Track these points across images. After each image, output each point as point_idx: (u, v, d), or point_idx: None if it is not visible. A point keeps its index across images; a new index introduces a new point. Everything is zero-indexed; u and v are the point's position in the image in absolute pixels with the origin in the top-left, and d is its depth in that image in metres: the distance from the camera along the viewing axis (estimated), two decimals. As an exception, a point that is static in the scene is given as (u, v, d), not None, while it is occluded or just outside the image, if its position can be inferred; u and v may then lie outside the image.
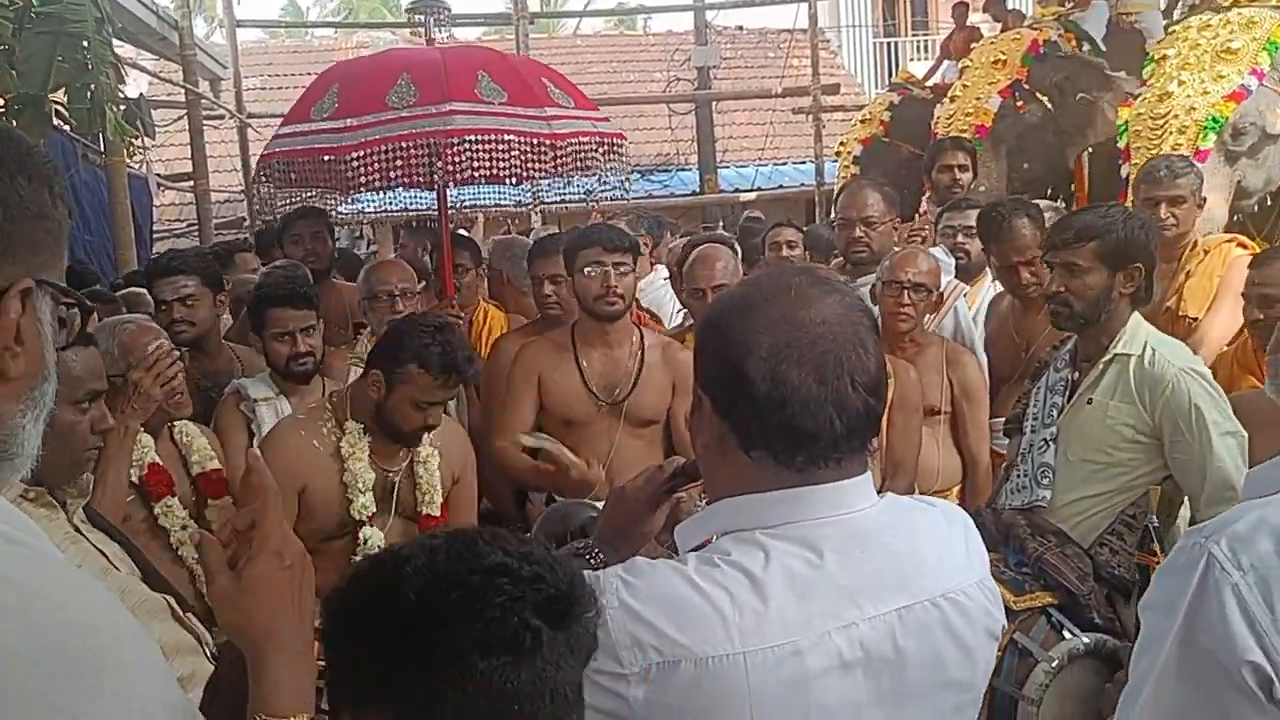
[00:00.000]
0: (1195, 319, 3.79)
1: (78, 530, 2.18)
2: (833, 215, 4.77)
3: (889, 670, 1.24)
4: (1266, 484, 1.31)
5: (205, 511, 2.91)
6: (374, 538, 2.82)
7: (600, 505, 1.72)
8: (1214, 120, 5.41)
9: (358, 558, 2.77)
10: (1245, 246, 4.03)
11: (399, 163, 4.00)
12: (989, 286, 4.21)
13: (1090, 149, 6.78)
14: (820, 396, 1.22)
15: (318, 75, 4.67)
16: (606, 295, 3.36)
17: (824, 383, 1.23)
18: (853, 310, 1.29)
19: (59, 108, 6.30)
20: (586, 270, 3.36)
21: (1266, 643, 1.25)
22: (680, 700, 1.15)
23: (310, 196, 4.66)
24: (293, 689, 0.96)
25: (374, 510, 2.83)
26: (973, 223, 4.19)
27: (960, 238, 4.26)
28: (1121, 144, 5.85)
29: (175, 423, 2.93)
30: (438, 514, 2.94)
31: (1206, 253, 3.93)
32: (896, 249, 3.92)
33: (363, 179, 4.04)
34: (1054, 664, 2.40)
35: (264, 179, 4.35)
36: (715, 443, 1.30)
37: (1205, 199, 4.06)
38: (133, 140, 6.46)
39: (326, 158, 4.07)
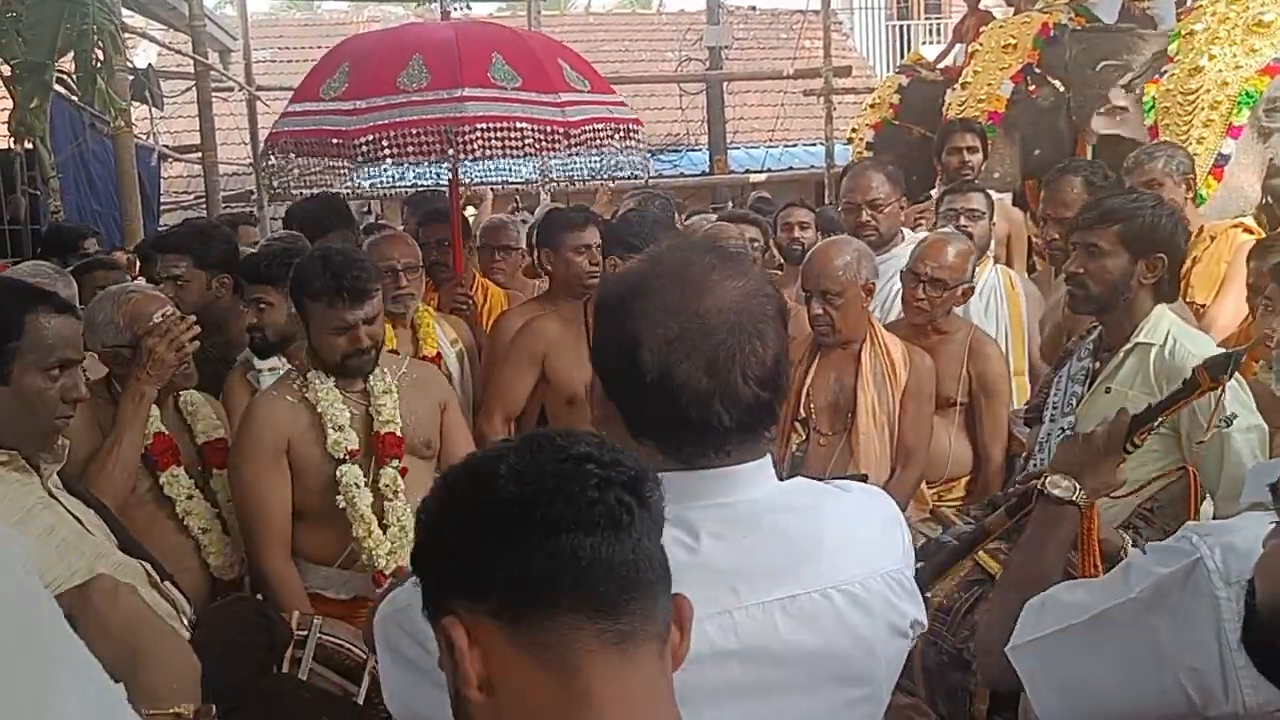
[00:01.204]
0: (1203, 305, 3.77)
1: (52, 495, 2.18)
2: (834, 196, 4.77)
3: (770, 660, 1.21)
4: (1263, 483, 1.27)
5: (211, 481, 2.91)
6: (349, 474, 2.79)
7: None
8: (1247, 95, 5.33)
9: (340, 502, 2.77)
10: (1251, 231, 4.00)
11: (409, 149, 3.96)
12: (991, 269, 4.19)
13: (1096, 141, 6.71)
14: (709, 391, 1.20)
15: (328, 50, 4.59)
16: (591, 274, 3.48)
17: (714, 377, 1.21)
18: (755, 297, 1.25)
19: (63, 76, 6.29)
20: (579, 249, 3.52)
21: (1226, 659, 1.27)
22: None
23: (320, 169, 4.61)
24: None
25: (356, 445, 2.82)
26: (975, 205, 4.20)
27: (963, 220, 4.24)
28: (1149, 121, 5.75)
29: (180, 392, 2.92)
30: (399, 433, 2.89)
31: (1213, 238, 3.90)
32: (927, 234, 3.91)
33: (373, 162, 4.02)
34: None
35: (273, 161, 4.31)
36: (605, 421, 1.29)
37: (1191, 178, 4.03)
38: (123, 110, 6.43)
39: (335, 140, 4.03)
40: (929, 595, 2.63)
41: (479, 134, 3.90)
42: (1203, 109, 5.47)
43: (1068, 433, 2.80)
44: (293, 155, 4.27)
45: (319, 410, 2.81)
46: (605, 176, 4.97)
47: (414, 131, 3.91)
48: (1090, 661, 1.43)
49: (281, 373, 3.13)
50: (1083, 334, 3.02)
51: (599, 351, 1.30)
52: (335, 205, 4.76)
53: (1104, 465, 1.82)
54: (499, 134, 3.92)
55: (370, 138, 3.90)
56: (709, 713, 1.16)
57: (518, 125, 3.94)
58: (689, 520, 1.19)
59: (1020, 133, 6.91)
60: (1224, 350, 1.53)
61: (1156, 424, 1.91)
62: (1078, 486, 1.78)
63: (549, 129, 4.02)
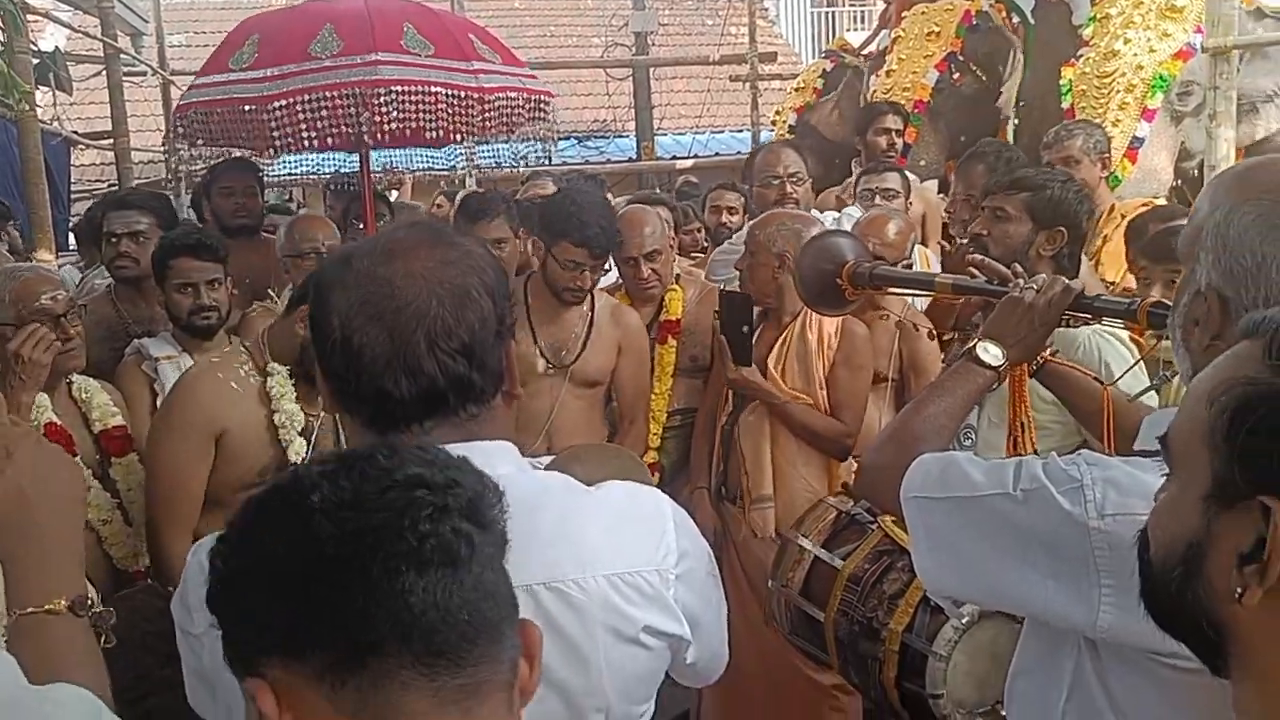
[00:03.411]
0: (1113, 283, 3.84)
1: None
2: (746, 179, 4.80)
3: None
4: (1153, 434, 1.31)
5: (110, 470, 2.82)
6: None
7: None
8: (1161, 79, 5.45)
9: None
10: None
11: (324, 113, 3.90)
12: (910, 247, 4.24)
13: (1016, 121, 6.82)
14: (388, 356, 1.16)
15: (235, 26, 4.53)
16: (575, 289, 3.42)
17: (395, 342, 1.16)
18: (455, 267, 1.21)
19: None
20: (566, 264, 3.39)
21: (1090, 582, 1.32)
22: None
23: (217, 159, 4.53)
24: None
25: (306, 454, 2.75)
26: (890, 184, 4.29)
27: (879, 199, 4.30)
28: (1065, 104, 5.85)
29: (74, 379, 2.83)
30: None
31: (1124, 217, 3.99)
32: (870, 211, 3.95)
33: (287, 130, 3.93)
34: (964, 620, 2.41)
35: (181, 132, 4.21)
36: (323, 395, 1.27)
37: (1107, 157, 4.12)
38: (27, 94, 6.21)
39: (248, 108, 3.96)
40: (838, 566, 2.66)
41: (394, 98, 3.85)
42: (1118, 92, 5.57)
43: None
44: (203, 137, 4.17)
45: (275, 408, 2.73)
46: (530, 162, 4.94)
47: (328, 96, 3.86)
48: (967, 537, 1.46)
49: (176, 358, 3.05)
50: (985, 305, 3.07)
51: (309, 323, 1.26)
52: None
53: (1035, 335, 1.86)
54: (414, 98, 3.89)
55: (283, 103, 3.84)
56: None
57: (432, 89, 3.92)
58: None
59: (945, 120, 6.99)
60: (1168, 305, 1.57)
61: (1088, 318, 1.96)
62: (1004, 355, 1.81)
63: (463, 94, 4.00)
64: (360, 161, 4.50)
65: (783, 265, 3.29)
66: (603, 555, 1.23)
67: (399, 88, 3.88)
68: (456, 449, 1.17)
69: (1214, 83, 5.16)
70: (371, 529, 0.79)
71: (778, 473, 3.32)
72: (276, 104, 3.88)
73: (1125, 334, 2.78)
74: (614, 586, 1.22)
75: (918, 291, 2.77)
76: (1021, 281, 1.92)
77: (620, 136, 14.06)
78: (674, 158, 13.30)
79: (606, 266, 3.58)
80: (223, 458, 2.71)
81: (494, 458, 1.22)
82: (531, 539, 1.18)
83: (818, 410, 3.31)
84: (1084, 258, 3.00)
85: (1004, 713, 2.38)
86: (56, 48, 8.37)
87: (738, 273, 3.49)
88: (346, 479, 0.83)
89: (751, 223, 3.55)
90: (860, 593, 2.57)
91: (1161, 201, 4.48)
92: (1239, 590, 0.83)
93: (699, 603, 1.32)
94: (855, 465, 3.43)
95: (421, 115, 3.97)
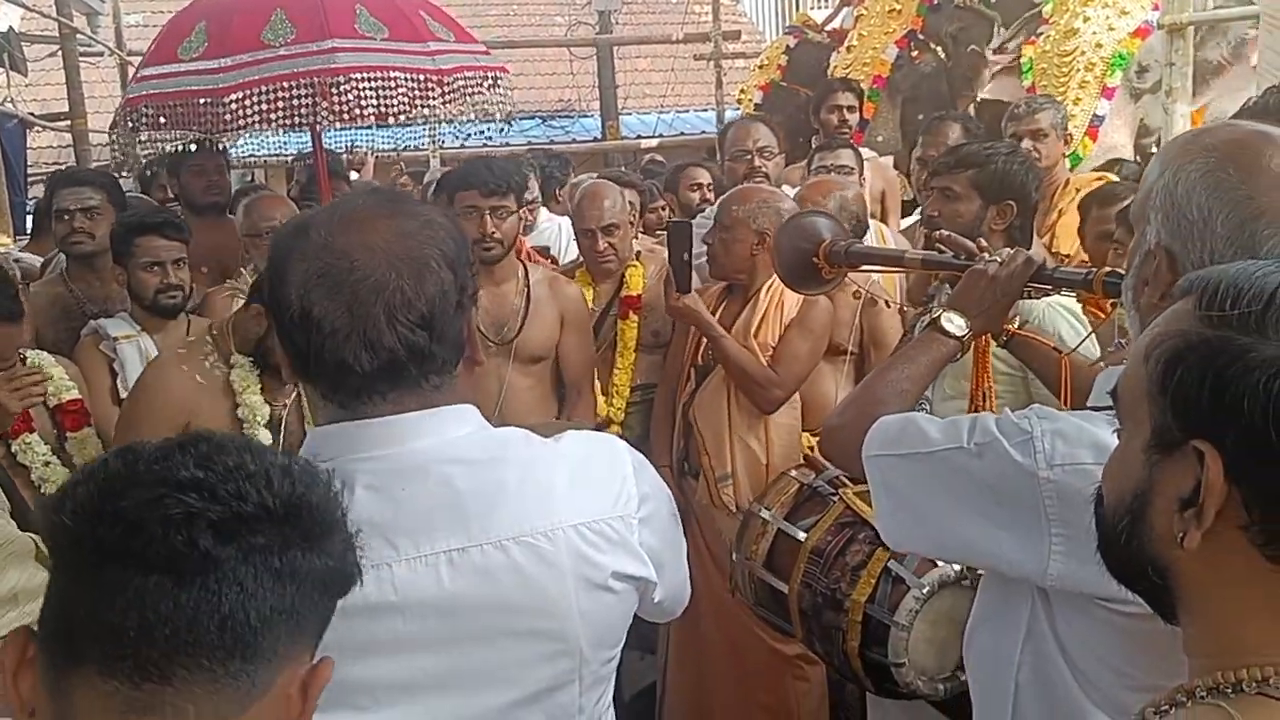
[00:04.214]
0: (1068, 256, 3.89)
1: None
2: (719, 154, 4.81)
3: (435, 614, 1.18)
4: (1104, 390, 1.35)
5: (66, 445, 2.80)
6: None
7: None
8: (1120, 57, 5.51)
9: None
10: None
11: (280, 104, 3.84)
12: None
13: (977, 101, 6.86)
14: (348, 329, 1.16)
15: (177, 12, 4.43)
16: (483, 240, 3.31)
17: (354, 314, 1.16)
18: (414, 237, 1.21)
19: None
20: (464, 213, 3.28)
21: (1040, 532, 1.37)
22: None
23: (181, 141, 4.46)
24: None
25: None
26: (845, 161, 4.32)
27: (835, 176, 4.32)
28: (1027, 82, 5.90)
29: (27, 354, 2.80)
30: None
31: (1079, 190, 4.03)
32: (812, 178, 3.98)
33: (241, 122, 3.88)
34: (925, 590, 2.44)
35: (130, 125, 4.13)
36: (283, 367, 1.27)
37: (1070, 135, 4.17)
38: None
39: (202, 100, 3.88)
40: (801, 539, 2.68)
41: (353, 85, 3.80)
42: (1078, 70, 5.62)
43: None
44: (154, 128, 4.10)
45: (240, 401, 2.70)
46: (495, 141, 4.93)
47: (285, 86, 3.80)
48: (924, 492, 1.52)
49: (135, 337, 3.02)
50: (941, 278, 3.10)
51: (267, 293, 1.25)
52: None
53: (998, 306, 1.90)
54: (372, 85, 3.83)
55: (239, 95, 3.78)
56: (372, 665, 1.15)
57: (391, 74, 3.87)
58: (345, 473, 1.11)
59: (903, 97, 7.02)
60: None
61: (1047, 289, 2.00)
62: (968, 325, 1.86)
63: (422, 77, 3.96)
64: (313, 139, 4.45)
65: (762, 243, 3.31)
66: (568, 506, 1.25)
67: (357, 75, 3.83)
68: (417, 416, 1.21)
69: (1170, 59, 5.22)
70: (110, 515, 0.78)
71: (737, 448, 3.34)
72: (231, 96, 3.81)
73: (1077, 306, 2.82)
74: (581, 536, 1.25)
75: (891, 268, 2.81)
76: (986, 255, 1.96)
77: (584, 116, 14.00)
78: (639, 137, 13.26)
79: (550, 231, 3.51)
80: None
81: (457, 420, 1.24)
82: (497, 495, 1.22)
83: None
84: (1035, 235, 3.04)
85: (963, 677, 2.44)
86: (10, 28, 8.22)
87: (706, 246, 3.50)
88: (136, 464, 0.81)
89: (725, 197, 3.54)
90: (823, 564, 2.59)
91: (1113, 175, 4.52)
92: (1180, 534, 0.87)
93: (662, 543, 1.36)
94: (815, 440, 3.47)
95: (381, 100, 3.93)
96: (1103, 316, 2.68)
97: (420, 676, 1.19)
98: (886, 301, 3.45)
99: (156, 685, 0.77)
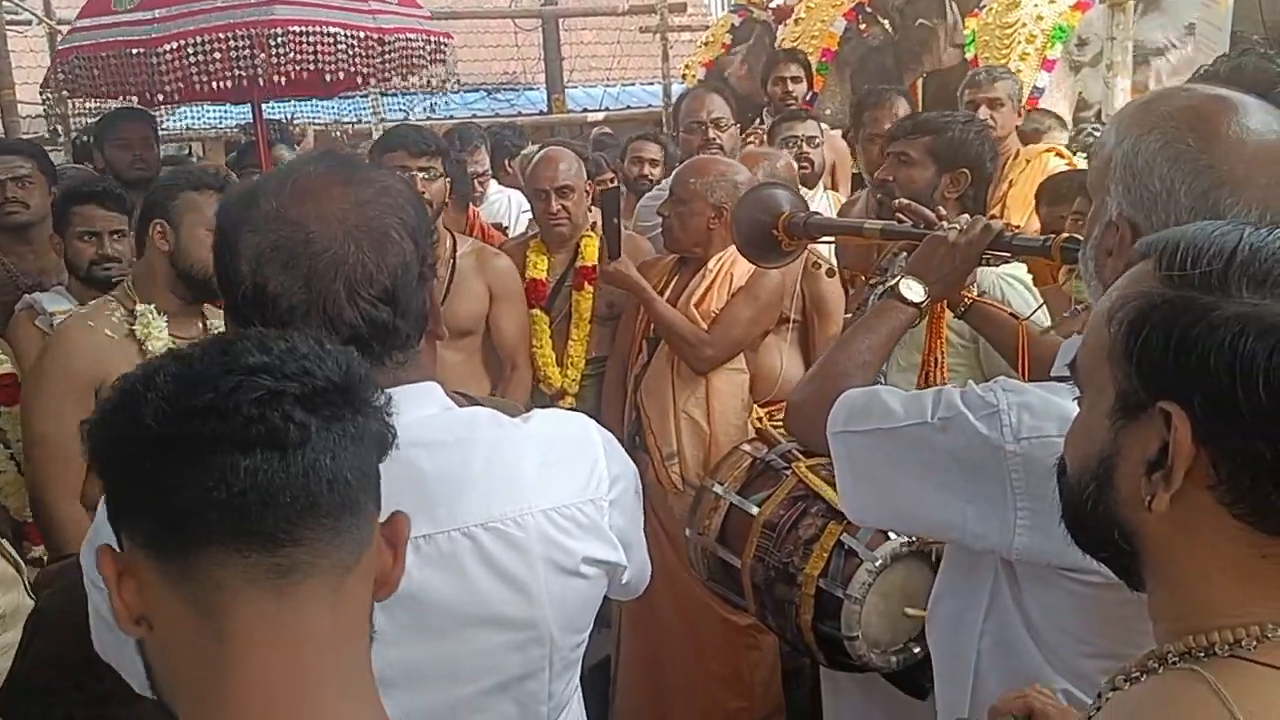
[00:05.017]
0: (1019, 227, 3.90)
1: None
2: (673, 125, 4.79)
3: (402, 604, 1.11)
4: (1064, 362, 1.35)
5: (-1, 420, 2.72)
6: None
7: None
8: (1061, 30, 5.57)
9: None
10: (1063, 156, 4.19)
11: (216, 56, 3.73)
12: (822, 194, 4.30)
13: (925, 75, 6.89)
14: (306, 304, 1.11)
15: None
16: None
17: (313, 289, 1.11)
18: (372, 205, 1.15)
19: None
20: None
21: (1007, 504, 1.38)
22: None
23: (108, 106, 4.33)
24: None
25: None
26: (814, 132, 4.31)
27: (804, 147, 4.32)
28: (970, 54, 5.93)
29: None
30: None
31: (1029, 162, 4.07)
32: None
33: (177, 75, 3.76)
34: (877, 563, 2.44)
35: (62, 79, 3.99)
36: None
37: (1022, 108, 4.21)
38: None
39: (135, 51, 3.77)
40: (754, 513, 2.68)
41: (290, 39, 3.69)
42: (1019, 43, 5.67)
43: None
44: (86, 85, 3.97)
45: (146, 349, 2.61)
46: (440, 114, 4.85)
47: (221, 38, 3.68)
48: (889, 467, 1.51)
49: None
50: (896, 250, 3.11)
51: (216, 269, 1.20)
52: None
53: (956, 273, 1.91)
54: (310, 40, 3.72)
55: (174, 45, 3.66)
56: None
57: (329, 30, 3.77)
58: None
59: (851, 70, 7.03)
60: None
61: (1006, 256, 2.01)
62: (927, 291, 1.86)
63: (362, 34, 3.87)
64: (252, 110, 4.34)
65: (719, 216, 3.29)
66: (538, 490, 1.22)
67: (295, 28, 3.72)
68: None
69: (1111, 33, 5.27)
70: (199, 409, 0.82)
71: (681, 422, 3.33)
72: (166, 47, 3.70)
73: (1027, 277, 2.83)
74: (552, 521, 1.21)
75: (850, 238, 2.80)
76: (945, 223, 1.95)
77: (530, 89, 13.88)
78: (585, 110, 13.18)
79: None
80: None
81: (420, 400, 1.20)
82: (465, 479, 1.17)
83: None
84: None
85: (916, 650, 2.45)
86: (-69, -7, 7.94)
87: (662, 218, 3.47)
88: (195, 362, 0.86)
89: (682, 169, 3.51)
90: (776, 538, 2.59)
91: (1060, 146, 4.56)
92: (1148, 498, 0.86)
93: (629, 524, 1.33)
94: (762, 413, 3.46)
95: (320, 58, 3.83)
96: (1055, 283, 2.70)
97: (387, 670, 1.13)
98: (830, 270, 3.45)
99: (290, 549, 0.84)
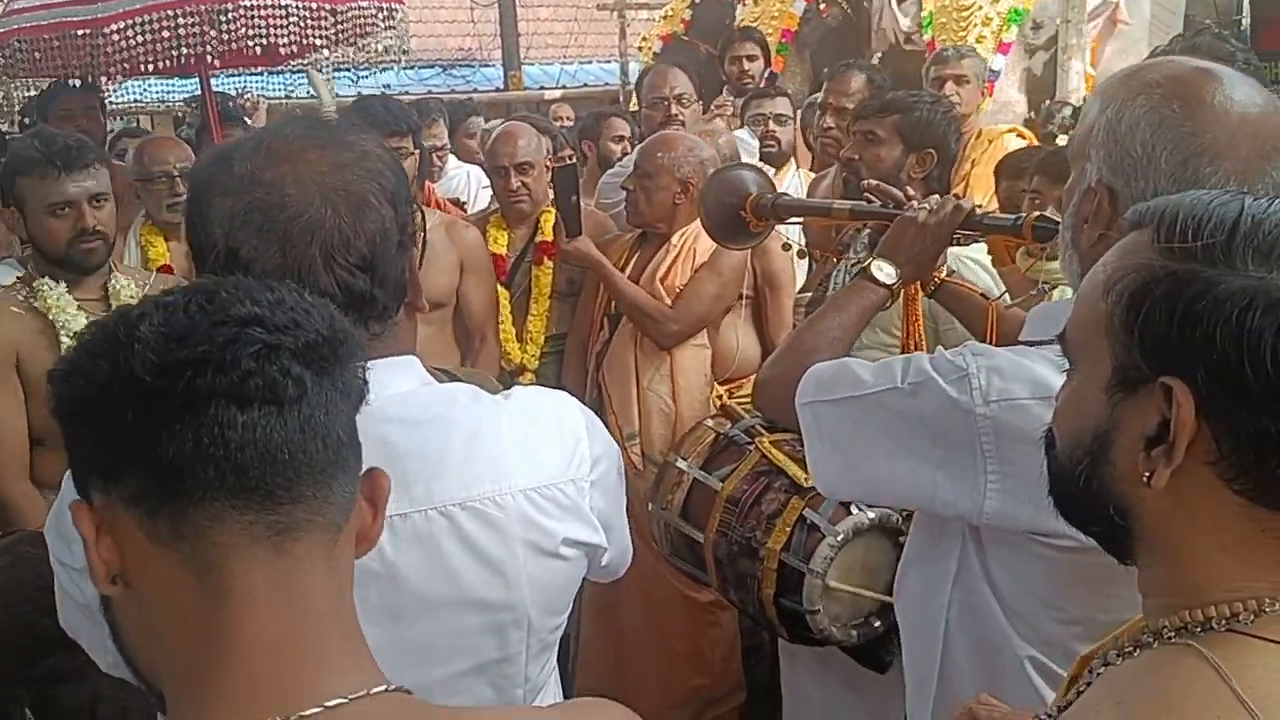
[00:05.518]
0: (980, 207, 3.93)
1: None
2: (636, 101, 4.77)
3: (376, 583, 1.11)
4: (1046, 327, 1.35)
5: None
6: None
7: None
8: (1016, 13, 5.61)
9: None
10: (1024, 136, 4.23)
11: (165, 34, 3.63)
12: (794, 172, 4.30)
13: (881, 54, 6.91)
14: (280, 272, 1.07)
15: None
16: None
17: (288, 254, 1.08)
18: (351, 169, 1.12)
19: None
20: None
21: (977, 468, 1.37)
22: None
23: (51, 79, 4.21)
24: None
25: None
26: (783, 110, 4.31)
27: (772, 125, 4.32)
28: (927, 36, 5.96)
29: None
30: None
31: (991, 142, 4.11)
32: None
33: (124, 55, 3.66)
34: (839, 538, 2.45)
35: (2, 62, 3.85)
36: None
37: (989, 86, 4.24)
38: None
39: (80, 33, 3.66)
40: (717, 488, 2.68)
41: (241, 15, 3.62)
42: (976, 25, 5.70)
43: None
44: (26, 68, 3.85)
45: (51, 319, 2.55)
46: (395, 91, 4.79)
47: (170, 15, 3.58)
48: (858, 435, 1.51)
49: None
50: (858, 227, 3.12)
51: (187, 233, 1.16)
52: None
53: (927, 254, 1.91)
54: (262, 13, 3.64)
55: (120, 25, 3.55)
56: None
57: (281, 3, 3.68)
58: None
59: (810, 51, 7.05)
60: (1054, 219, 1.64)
61: (977, 235, 2.02)
62: (898, 273, 1.86)
63: (314, 5, 3.78)
64: (201, 83, 4.24)
65: (685, 191, 3.28)
66: (518, 469, 1.18)
67: (246, 2, 3.64)
68: None
69: (1066, 16, 5.32)
70: (192, 361, 0.79)
71: (646, 400, 3.33)
72: (112, 27, 3.59)
73: (986, 259, 2.86)
74: (531, 501, 1.18)
75: (818, 218, 2.80)
76: (915, 203, 1.95)
77: (486, 66, 13.77)
78: (542, 88, 13.10)
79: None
80: (30, 387, 2.57)
81: (397, 374, 1.17)
82: (444, 456, 1.15)
83: None
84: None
85: (876, 623, 2.47)
86: None
87: (626, 192, 3.45)
88: (185, 310, 0.82)
89: (647, 144, 3.49)
90: (739, 513, 2.59)
91: (1020, 127, 4.61)
92: (1147, 474, 0.84)
93: (611, 506, 1.30)
94: (721, 390, 3.47)
95: (271, 32, 3.75)
96: (1013, 264, 2.72)
97: None
98: (785, 245, 3.45)
99: (290, 505, 0.82)
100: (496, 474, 1.17)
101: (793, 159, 4.45)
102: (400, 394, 1.16)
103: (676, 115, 4.20)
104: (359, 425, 1.10)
